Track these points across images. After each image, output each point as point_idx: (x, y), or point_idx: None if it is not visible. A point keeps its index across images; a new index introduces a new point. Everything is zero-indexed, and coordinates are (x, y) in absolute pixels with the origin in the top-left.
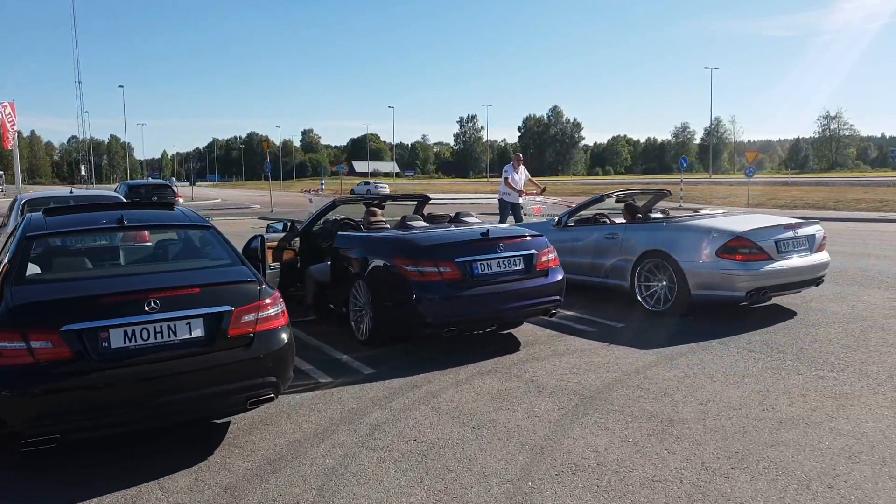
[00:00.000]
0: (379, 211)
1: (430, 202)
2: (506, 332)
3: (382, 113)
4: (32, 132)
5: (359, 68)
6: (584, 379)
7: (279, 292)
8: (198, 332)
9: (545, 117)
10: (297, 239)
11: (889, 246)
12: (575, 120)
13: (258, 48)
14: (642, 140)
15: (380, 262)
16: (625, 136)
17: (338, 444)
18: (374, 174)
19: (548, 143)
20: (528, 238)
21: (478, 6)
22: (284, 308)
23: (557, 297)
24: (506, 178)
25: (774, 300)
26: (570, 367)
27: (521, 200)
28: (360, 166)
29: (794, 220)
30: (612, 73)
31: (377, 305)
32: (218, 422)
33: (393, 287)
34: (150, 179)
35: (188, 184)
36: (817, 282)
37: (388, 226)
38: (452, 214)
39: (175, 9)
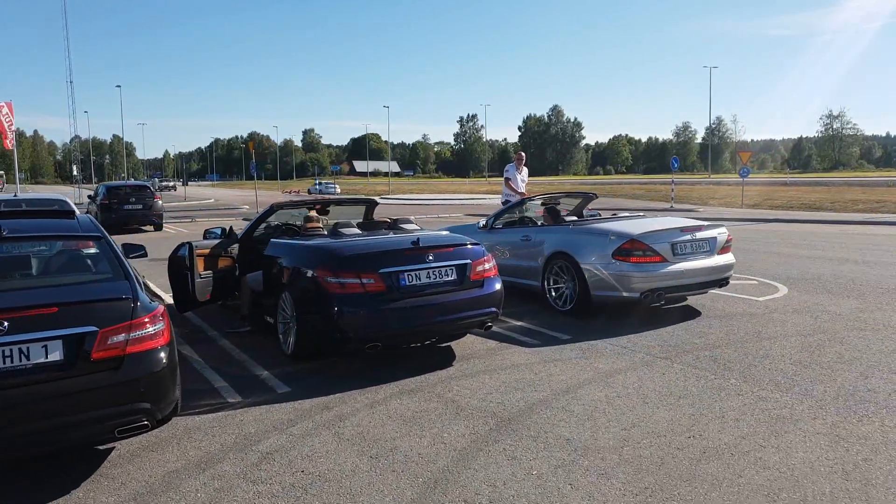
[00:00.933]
0: (316, 216)
1: (377, 205)
2: (444, 344)
3: (383, 112)
4: (35, 132)
5: (359, 68)
6: (509, 399)
7: (163, 308)
8: (55, 356)
9: (546, 117)
10: (237, 246)
11: (872, 250)
12: (575, 119)
13: (259, 48)
14: (644, 139)
15: (304, 272)
16: (626, 135)
17: (218, 476)
18: (374, 174)
19: (548, 143)
20: (463, 246)
21: (478, 6)
22: (165, 326)
23: (494, 310)
24: (507, 179)
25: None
26: (498, 386)
27: None
28: (360, 166)
29: (692, 223)
30: (613, 73)
31: (301, 318)
32: (101, 448)
33: (315, 299)
34: (132, 180)
35: (181, 183)
36: (720, 283)
37: (326, 232)
38: (390, 220)
39: (177, 9)
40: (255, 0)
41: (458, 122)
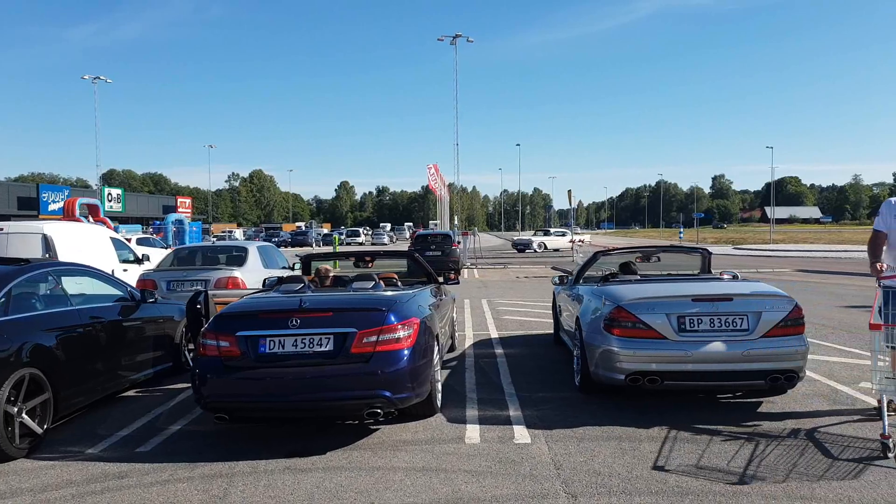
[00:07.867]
0: (326, 267)
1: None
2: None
3: (801, 154)
4: (473, 187)
5: (770, 107)
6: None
7: None
8: None
9: None
10: None
11: None
12: None
13: (666, 93)
14: None
15: None
16: None
17: None
18: (791, 220)
19: None
20: (351, 312)
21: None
22: None
23: (384, 394)
24: None
25: None
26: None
27: None
28: (775, 211)
29: (716, 291)
30: None
31: None
32: None
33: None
34: (433, 229)
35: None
36: (770, 378)
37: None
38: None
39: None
40: (667, 52)
41: None
